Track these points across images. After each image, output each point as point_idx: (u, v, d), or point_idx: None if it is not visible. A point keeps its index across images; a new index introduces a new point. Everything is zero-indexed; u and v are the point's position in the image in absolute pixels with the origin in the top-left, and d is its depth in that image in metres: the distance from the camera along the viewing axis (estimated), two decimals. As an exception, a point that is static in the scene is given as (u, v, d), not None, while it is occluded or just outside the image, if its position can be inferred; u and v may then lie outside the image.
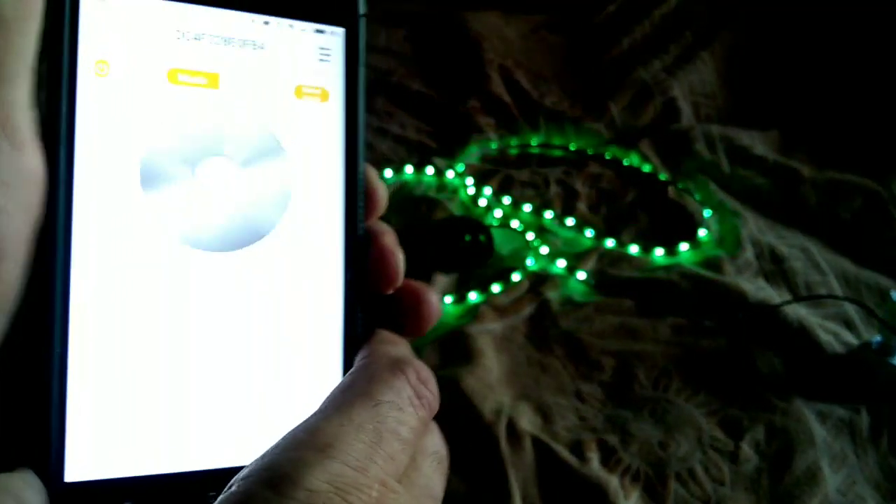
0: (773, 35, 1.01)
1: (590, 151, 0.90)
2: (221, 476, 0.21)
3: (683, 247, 0.75)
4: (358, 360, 0.22)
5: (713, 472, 0.52)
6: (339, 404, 0.20)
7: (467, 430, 0.54)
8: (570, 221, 0.78)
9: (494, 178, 0.84)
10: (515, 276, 0.71)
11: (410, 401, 0.20)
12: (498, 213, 0.79)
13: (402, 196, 0.81)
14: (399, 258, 0.24)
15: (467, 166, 0.86)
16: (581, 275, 0.71)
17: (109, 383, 0.21)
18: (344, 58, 0.24)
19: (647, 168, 0.87)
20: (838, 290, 0.70)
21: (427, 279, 0.70)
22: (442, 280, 0.70)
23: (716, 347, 0.63)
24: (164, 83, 0.22)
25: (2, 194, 0.18)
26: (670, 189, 0.84)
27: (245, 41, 0.23)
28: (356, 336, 0.24)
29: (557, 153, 0.91)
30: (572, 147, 0.91)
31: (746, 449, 0.54)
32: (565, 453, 0.53)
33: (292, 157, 0.24)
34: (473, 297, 0.68)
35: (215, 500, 0.18)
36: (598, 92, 0.98)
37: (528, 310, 0.68)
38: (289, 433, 0.19)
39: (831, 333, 0.64)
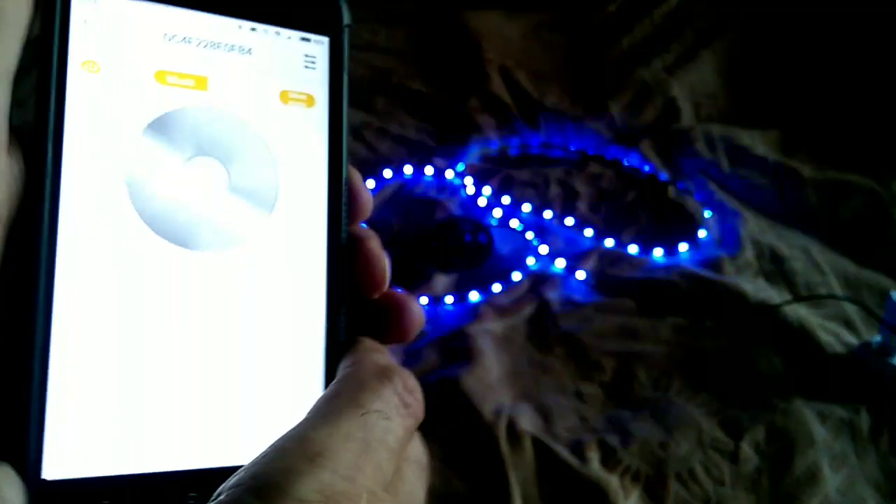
0: (774, 34, 1.01)
1: (590, 151, 0.90)
2: (201, 477, 0.21)
3: (683, 247, 0.75)
4: (343, 368, 0.22)
5: (713, 472, 0.52)
6: (327, 413, 0.20)
7: (467, 430, 0.54)
8: (570, 221, 0.78)
9: (494, 178, 0.84)
10: (515, 276, 0.71)
11: (397, 410, 0.20)
12: (498, 213, 0.79)
13: (402, 196, 0.81)
14: (385, 263, 0.24)
15: (467, 166, 0.86)
16: (581, 275, 0.71)
17: (90, 381, 0.21)
18: (328, 66, 0.25)
19: (646, 168, 0.87)
20: (838, 290, 0.70)
21: (427, 279, 0.70)
22: (442, 280, 0.70)
23: (716, 347, 0.63)
24: (153, 84, 0.22)
25: None
26: (670, 189, 0.84)
27: (233, 46, 0.23)
28: (338, 340, 0.24)
29: (557, 153, 0.91)
30: (572, 147, 0.91)
31: (746, 449, 0.54)
32: (565, 453, 0.53)
33: (278, 160, 0.24)
34: (473, 297, 0.68)
35: (195, 500, 0.17)
36: (599, 92, 0.97)
37: (528, 310, 0.68)
38: (276, 442, 0.19)
39: (831, 333, 0.64)
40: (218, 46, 0.23)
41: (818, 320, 0.65)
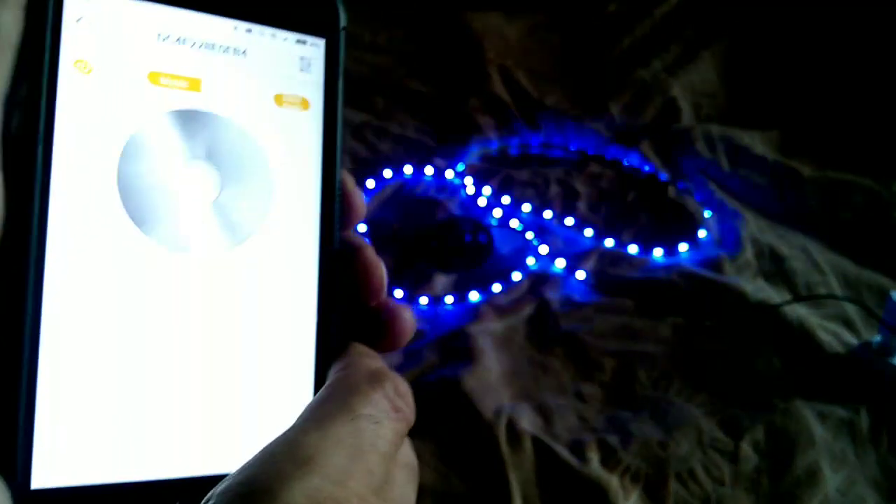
0: (773, 35, 1.01)
1: (590, 151, 0.90)
2: (189, 485, 0.21)
3: (683, 247, 0.75)
4: (334, 373, 0.22)
5: (713, 472, 0.52)
6: (318, 418, 0.19)
7: (467, 430, 0.54)
8: (570, 221, 0.78)
9: (494, 178, 0.84)
10: (515, 276, 0.71)
11: (388, 414, 0.20)
12: (498, 213, 0.79)
13: (402, 196, 0.81)
14: (383, 272, 0.24)
15: (467, 166, 0.86)
16: (581, 275, 0.71)
17: (79, 390, 0.20)
18: (324, 68, 0.25)
19: (646, 168, 0.87)
20: (838, 290, 0.70)
21: (427, 279, 0.70)
22: (442, 280, 0.70)
23: (716, 347, 0.63)
24: (146, 85, 0.22)
25: None
26: (670, 189, 0.84)
27: (227, 47, 0.23)
28: (330, 346, 0.24)
29: (557, 153, 0.91)
30: (572, 147, 0.91)
31: (746, 449, 0.54)
32: (565, 453, 0.53)
33: (272, 163, 0.24)
34: (473, 297, 0.68)
35: None
36: (598, 92, 0.97)
37: (528, 310, 0.68)
38: (266, 447, 0.19)
39: (831, 333, 0.64)
40: (212, 47, 0.23)
41: (818, 320, 0.65)
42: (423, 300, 0.68)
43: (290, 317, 0.24)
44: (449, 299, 0.68)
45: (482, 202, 0.81)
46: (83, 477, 0.20)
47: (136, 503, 0.21)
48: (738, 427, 0.55)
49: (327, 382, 0.22)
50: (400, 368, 0.59)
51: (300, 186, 0.24)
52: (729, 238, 0.77)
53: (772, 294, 0.68)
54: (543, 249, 0.74)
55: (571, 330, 0.65)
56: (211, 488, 0.18)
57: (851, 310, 0.67)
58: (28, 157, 0.20)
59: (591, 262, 0.73)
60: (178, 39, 0.22)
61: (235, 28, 0.23)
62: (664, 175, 0.86)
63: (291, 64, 0.24)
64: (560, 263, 0.72)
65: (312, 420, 0.19)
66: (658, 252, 0.75)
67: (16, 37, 0.19)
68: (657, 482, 0.51)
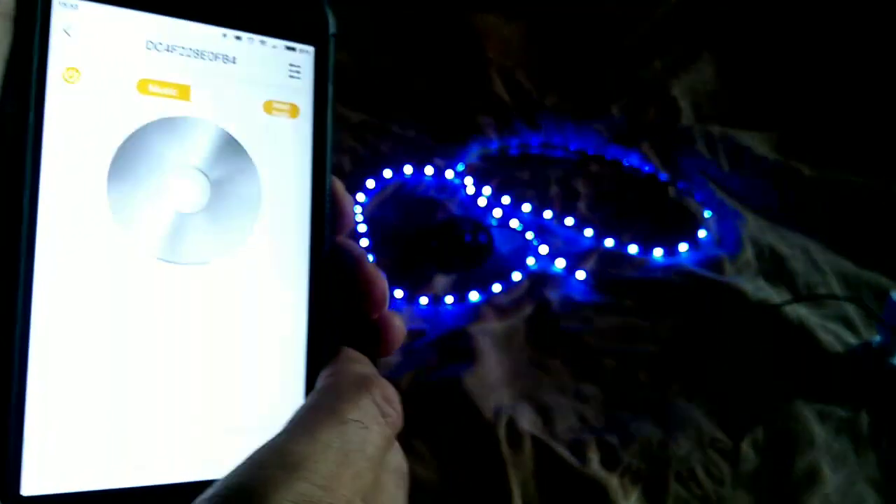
0: (773, 35, 1.01)
1: (590, 151, 0.90)
2: (180, 491, 0.21)
3: (683, 247, 0.75)
4: (323, 379, 0.22)
5: (713, 472, 0.52)
6: (307, 423, 0.20)
7: (467, 430, 0.54)
8: (570, 221, 0.78)
9: (494, 178, 0.84)
10: (515, 276, 0.71)
11: (375, 419, 0.21)
12: (498, 213, 0.79)
13: (402, 196, 0.81)
14: (385, 284, 0.24)
15: (467, 166, 0.86)
16: (581, 275, 0.71)
17: (68, 396, 0.20)
18: (314, 75, 0.24)
19: (646, 168, 0.87)
20: (838, 290, 0.70)
21: (427, 279, 0.70)
22: (442, 280, 0.70)
23: (716, 347, 0.63)
24: (134, 93, 0.22)
25: None
26: (670, 189, 0.84)
27: (217, 55, 0.23)
28: (320, 352, 0.24)
29: (557, 153, 0.91)
30: (572, 147, 0.91)
31: (746, 449, 0.54)
32: (565, 453, 0.53)
33: (261, 171, 0.23)
34: (473, 297, 0.68)
35: None
36: (599, 92, 0.97)
37: (528, 310, 0.68)
38: (255, 452, 0.19)
39: (831, 333, 0.64)
40: (202, 55, 0.23)
41: (818, 320, 0.65)
42: (423, 300, 0.68)
43: (281, 323, 0.23)
44: (449, 299, 0.68)
45: (482, 202, 0.81)
46: (73, 484, 0.20)
47: None
48: (738, 427, 0.55)
49: (316, 388, 0.22)
50: (400, 368, 0.59)
51: (290, 193, 0.24)
52: (729, 238, 0.77)
53: (772, 294, 0.68)
54: (543, 249, 0.74)
55: (571, 330, 0.65)
56: (199, 494, 0.18)
57: (851, 310, 0.67)
58: (17, 166, 0.20)
59: (591, 262, 0.73)
60: (167, 48, 0.22)
61: (224, 36, 0.23)
62: (664, 175, 0.86)
63: (281, 71, 0.24)
64: (560, 263, 0.72)
65: (301, 426, 0.20)
66: (658, 252, 0.75)
67: (3, 46, 0.19)
68: (657, 482, 0.51)
